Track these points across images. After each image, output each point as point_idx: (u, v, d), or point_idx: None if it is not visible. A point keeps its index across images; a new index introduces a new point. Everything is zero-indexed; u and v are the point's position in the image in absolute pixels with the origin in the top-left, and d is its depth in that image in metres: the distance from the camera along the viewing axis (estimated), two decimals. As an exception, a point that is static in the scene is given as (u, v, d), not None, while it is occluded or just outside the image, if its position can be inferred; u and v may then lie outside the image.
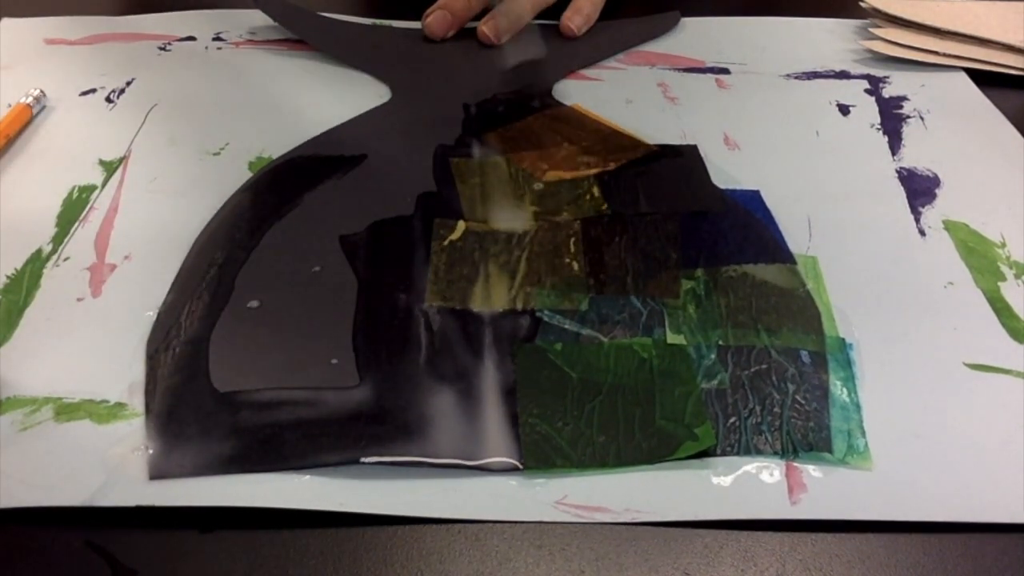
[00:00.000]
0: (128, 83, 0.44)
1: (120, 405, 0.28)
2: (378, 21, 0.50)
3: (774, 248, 0.34)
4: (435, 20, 0.48)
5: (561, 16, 0.49)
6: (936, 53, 0.47)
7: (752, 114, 0.43)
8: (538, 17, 0.50)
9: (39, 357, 0.29)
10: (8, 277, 0.32)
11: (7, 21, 0.49)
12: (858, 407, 0.28)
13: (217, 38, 0.48)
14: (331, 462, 0.26)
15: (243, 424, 0.27)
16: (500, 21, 0.48)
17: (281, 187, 0.37)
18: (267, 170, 0.38)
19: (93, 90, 0.44)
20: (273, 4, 0.49)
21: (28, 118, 0.41)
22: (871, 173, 0.39)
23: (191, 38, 0.48)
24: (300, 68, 0.46)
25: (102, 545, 0.24)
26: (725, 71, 0.47)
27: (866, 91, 0.45)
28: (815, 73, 0.47)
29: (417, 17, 0.49)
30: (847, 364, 0.29)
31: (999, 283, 0.33)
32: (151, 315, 0.31)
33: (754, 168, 0.39)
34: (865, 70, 0.47)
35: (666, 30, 0.50)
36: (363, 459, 0.26)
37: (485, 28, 0.48)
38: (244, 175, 0.38)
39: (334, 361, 0.29)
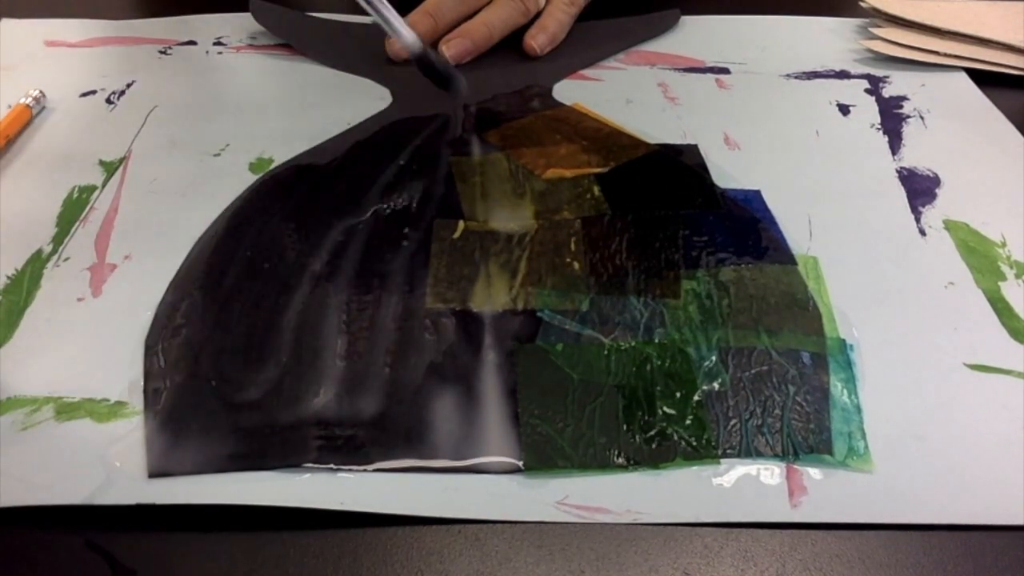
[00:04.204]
0: (128, 85, 0.44)
1: (120, 404, 0.28)
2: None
3: (775, 248, 0.34)
4: (400, 47, 0.45)
5: (524, 35, 0.47)
6: (936, 53, 0.47)
7: (752, 114, 0.43)
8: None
9: (40, 357, 0.29)
10: (8, 277, 0.32)
11: (7, 22, 0.49)
12: (858, 409, 0.28)
13: (218, 43, 0.48)
14: (332, 462, 0.26)
15: (243, 423, 0.27)
16: (464, 43, 0.46)
17: (285, 191, 0.36)
18: (271, 175, 0.37)
19: (93, 91, 0.44)
20: (267, 13, 0.49)
21: (28, 119, 0.41)
22: (871, 173, 0.39)
23: (192, 42, 0.48)
24: (301, 72, 0.46)
25: (102, 545, 0.24)
26: (725, 71, 0.47)
27: (866, 91, 0.45)
28: (815, 73, 0.47)
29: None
30: (848, 365, 0.29)
31: (999, 283, 0.33)
32: (151, 315, 0.31)
33: (754, 168, 0.39)
34: (865, 70, 0.47)
35: (666, 28, 0.50)
36: (366, 468, 0.26)
37: (445, 48, 0.46)
38: (244, 176, 0.38)
39: (335, 362, 0.29)
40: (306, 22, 0.50)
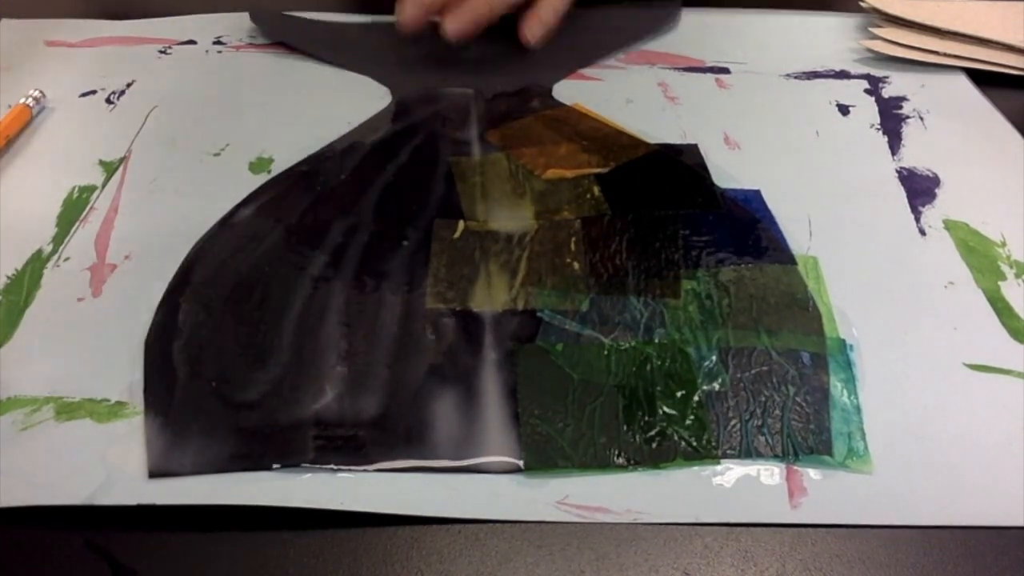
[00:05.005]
0: (128, 85, 0.44)
1: (120, 404, 0.28)
2: (376, 18, 0.50)
3: (775, 248, 0.34)
4: (408, 16, 0.45)
5: (519, 24, 0.47)
6: (936, 53, 0.47)
7: (752, 114, 0.43)
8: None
9: (40, 357, 0.29)
10: (8, 277, 0.32)
11: (7, 22, 0.49)
12: (858, 409, 0.28)
13: (217, 42, 0.48)
14: (333, 462, 0.26)
15: (243, 423, 0.27)
16: (465, 18, 0.45)
17: (287, 194, 0.36)
18: (274, 180, 0.37)
19: (93, 91, 0.44)
20: (266, 18, 0.49)
21: (28, 119, 0.41)
22: (871, 173, 0.39)
23: (191, 42, 0.48)
24: (301, 71, 0.46)
25: (102, 545, 0.24)
26: (725, 71, 0.47)
27: (866, 91, 0.45)
28: (815, 73, 0.47)
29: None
30: (847, 366, 0.29)
31: (999, 283, 0.33)
32: (151, 315, 0.31)
33: (754, 168, 0.39)
34: (865, 70, 0.47)
35: (667, 19, 0.50)
36: (367, 468, 0.26)
37: (447, 23, 0.45)
38: (244, 176, 0.38)
39: (336, 362, 0.29)
40: (306, 25, 0.50)
